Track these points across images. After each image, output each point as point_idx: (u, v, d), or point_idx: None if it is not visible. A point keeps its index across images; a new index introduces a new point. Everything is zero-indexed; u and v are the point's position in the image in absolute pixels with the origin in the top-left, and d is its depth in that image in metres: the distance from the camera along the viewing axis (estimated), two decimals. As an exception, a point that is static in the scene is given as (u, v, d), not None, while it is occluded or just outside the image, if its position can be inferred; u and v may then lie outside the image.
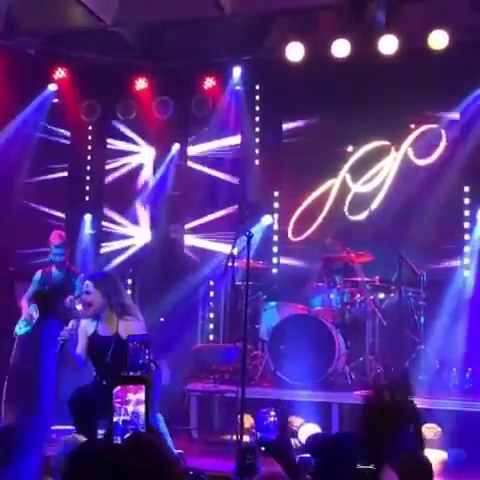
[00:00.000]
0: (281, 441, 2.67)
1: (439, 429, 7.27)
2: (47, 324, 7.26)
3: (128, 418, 1.58)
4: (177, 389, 7.88)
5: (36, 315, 7.32)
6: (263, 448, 2.68)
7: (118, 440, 1.57)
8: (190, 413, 7.83)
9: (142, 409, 1.59)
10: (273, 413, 2.69)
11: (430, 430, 7.30)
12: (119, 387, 1.60)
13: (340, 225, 9.69)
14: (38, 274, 7.64)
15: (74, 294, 7.28)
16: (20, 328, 7.38)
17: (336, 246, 8.74)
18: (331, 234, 9.12)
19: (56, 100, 10.66)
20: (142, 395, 1.60)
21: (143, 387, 1.60)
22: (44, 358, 7.15)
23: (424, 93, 9.25)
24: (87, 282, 5.84)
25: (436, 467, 6.80)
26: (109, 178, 11.02)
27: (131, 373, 2.74)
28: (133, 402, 1.60)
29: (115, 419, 1.57)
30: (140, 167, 10.91)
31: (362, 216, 9.53)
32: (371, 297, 8.39)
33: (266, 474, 2.55)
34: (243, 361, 5.91)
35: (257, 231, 9.77)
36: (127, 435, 1.57)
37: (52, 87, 10.58)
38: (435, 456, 7.09)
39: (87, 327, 5.80)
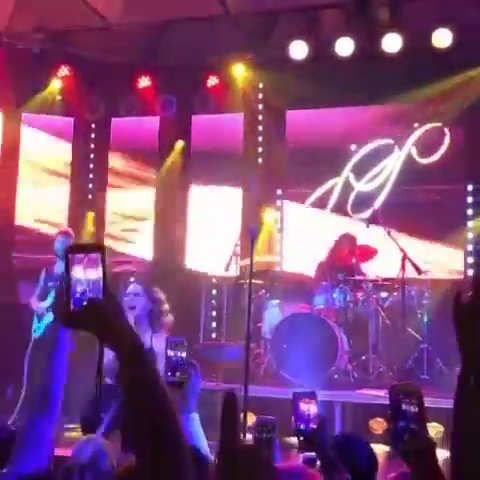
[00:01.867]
0: (320, 431, 2.56)
1: (442, 428, 7.27)
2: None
3: (85, 287, 1.55)
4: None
5: (47, 314, 7.34)
6: (301, 438, 2.58)
7: (79, 305, 1.54)
8: (193, 411, 7.81)
9: (100, 275, 1.55)
10: (313, 403, 2.58)
11: (433, 429, 7.30)
12: (73, 255, 1.55)
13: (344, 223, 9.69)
14: (43, 273, 7.62)
15: None
16: (35, 331, 7.40)
17: (347, 243, 8.71)
18: (342, 232, 9.08)
19: (59, 97, 10.68)
20: (99, 262, 1.56)
21: (99, 254, 1.56)
22: (58, 360, 7.11)
23: (427, 91, 9.24)
24: (135, 285, 5.65)
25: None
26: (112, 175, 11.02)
27: (169, 374, 2.73)
28: (90, 270, 1.56)
29: (78, 289, 1.54)
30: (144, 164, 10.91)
31: (365, 214, 9.52)
32: (374, 296, 8.38)
33: (286, 465, 2.51)
34: (246, 359, 5.90)
35: (260, 229, 9.81)
36: (84, 303, 1.54)
37: (56, 84, 10.59)
38: (438, 455, 7.11)
39: None
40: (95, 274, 1.54)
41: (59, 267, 7.51)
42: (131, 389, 1.56)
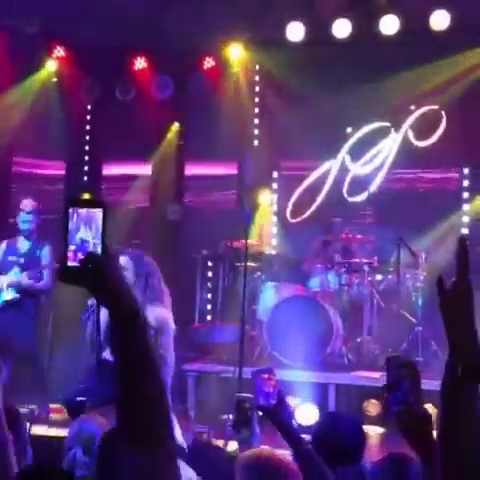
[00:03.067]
0: (280, 408, 2.60)
1: (436, 410, 7.29)
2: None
3: (85, 243, 1.50)
4: (174, 369, 7.87)
5: (7, 291, 7.10)
6: (260, 413, 2.63)
7: (76, 260, 1.49)
8: (187, 393, 7.83)
9: (100, 233, 1.50)
10: (274, 378, 2.62)
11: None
12: (74, 209, 1.49)
13: (341, 206, 9.68)
14: (3, 244, 7.26)
15: (40, 265, 7.11)
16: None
17: (342, 226, 8.71)
18: (335, 214, 9.08)
19: (55, 79, 10.62)
20: (100, 219, 1.50)
21: (101, 210, 1.51)
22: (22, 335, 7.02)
23: (425, 74, 9.21)
24: (123, 258, 5.17)
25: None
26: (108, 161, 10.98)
27: None
28: (91, 227, 1.51)
29: (76, 244, 1.49)
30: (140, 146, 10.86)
31: (361, 197, 9.50)
32: (369, 278, 8.38)
33: (253, 453, 2.50)
34: (241, 342, 5.91)
35: (255, 212, 9.80)
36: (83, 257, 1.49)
37: (51, 65, 10.54)
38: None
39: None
40: (95, 231, 1.50)
41: (22, 244, 7.24)
42: (122, 353, 1.53)
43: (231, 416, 6.31)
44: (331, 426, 2.92)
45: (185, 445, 2.66)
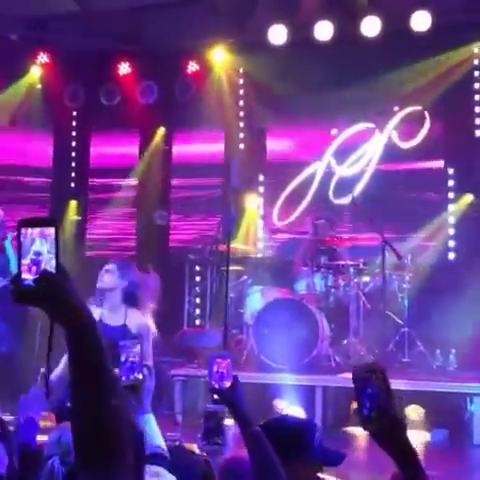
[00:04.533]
0: (234, 390, 2.67)
1: (423, 410, 7.32)
2: None
3: (38, 262, 1.50)
4: (161, 374, 7.88)
5: None
6: (215, 396, 2.69)
7: (30, 281, 1.49)
8: (174, 398, 7.84)
9: (53, 251, 1.50)
10: (226, 363, 2.68)
11: (414, 411, 7.36)
12: (26, 229, 1.50)
13: (327, 208, 9.70)
14: None
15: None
16: None
17: (327, 228, 8.74)
18: (323, 216, 9.10)
19: (39, 86, 10.63)
20: (53, 237, 1.51)
21: (53, 228, 1.52)
22: None
23: (407, 75, 9.24)
24: (111, 264, 5.24)
25: (419, 448, 6.93)
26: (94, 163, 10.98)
27: (124, 378, 2.72)
28: (43, 244, 1.51)
29: (24, 261, 1.49)
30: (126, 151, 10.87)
31: (347, 200, 9.52)
32: (355, 280, 8.40)
33: (230, 458, 2.53)
34: (224, 345, 5.93)
35: (242, 215, 9.82)
36: (37, 277, 1.49)
37: (35, 72, 10.54)
38: (418, 437, 7.17)
39: None
40: (48, 249, 1.49)
41: None
42: (78, 369, 1.52)
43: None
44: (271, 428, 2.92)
45: (167, 453, 2.67)
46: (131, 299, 5.18)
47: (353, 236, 8.68)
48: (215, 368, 2.67)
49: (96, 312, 5.18)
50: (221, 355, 2.81)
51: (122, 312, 5.13)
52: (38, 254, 1.49)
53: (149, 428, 2.67)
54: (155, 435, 2.67)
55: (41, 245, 1.50)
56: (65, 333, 1.51)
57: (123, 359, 2.72)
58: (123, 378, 2.71)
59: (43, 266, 1.49)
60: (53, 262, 1.49)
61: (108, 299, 5.12)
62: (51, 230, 1.50)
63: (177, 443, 3.76)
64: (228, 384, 2.67)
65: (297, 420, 3.17)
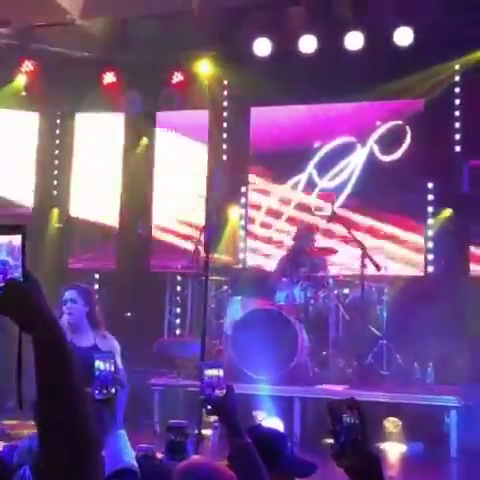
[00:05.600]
0: (227, 399, 2.66)
1: (399, 423, 7.37)
2: None
3: (5, 270, 1.49)
4: (140, 383, 7.88)
5: None
6: (209, 407, 2.68)
7: None
8: (153, 407, 7.84)
9: (20, 258, 1.49)
10: (219, 372, 2.69)
11: (391, 424, 7.41)
12: None
13: (308, 220, 9.76)
14: None
15: None
16: None
17: (308, 240, 8.77)
18: (304, 228, 9.16)
19: (24, 93, 10.64)
20: (18, 243, 1.49)
21: (20, 235, 1.50)
22: None
23: (390, 89, 9.33)
24: (71, 291, 5.57)
25: (395, 460, 6.97)
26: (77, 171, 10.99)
27: (97, 392, 2.71)
28: (9, 252, 1.50)
29: None
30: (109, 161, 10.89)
31: (328, 212, 9.57)
32: (335, 292, 8.45)
33: (189, 463, 2.54)
34: (202, 355, 5.94)
35: (224, 226, 9.86)
36: (2, 284, 1.48)
37: (21, 80, 10.55)
38: (394, 449, 7.21)
39: None
40: (16, 255, 1.48)
41: None
42: (46, 378, 1.50)
43: (190, 431, 6.35)
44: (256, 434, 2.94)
45: (137, 468, 2.67)
46: (95, 322, 5.54)
47: (333, 248, 8.73)
48: (207, 377, 2.67)
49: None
50: (213, 364, 2.79)
51: (91, 335, 5.46)
52: (3, 263, 1.49)
53: (121, 444, 2.66)
54: (126, 451, 2.67)
55: (7, 254, 1.49)
56: (33, 341, 1.50)
57: (96, 373, 2.72)
58: (96, 392, 2.70)
59: (9, 275, 1.49)
60: (20, 270, 1.49)
61: (76, 326, 5.42)
62: (18, 238, 1.49)
63: (146, 453, 3.75)
64: (221, 393, 2.68)
65: (268, 430, 3.20)
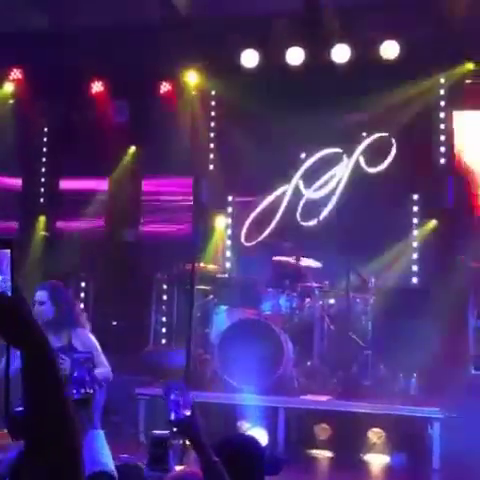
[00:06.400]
0: (192, 421, 2.69)
1: (383, 434, 7.42)
2: None
3: None
4: (126, 393, 7.89)
5: None
6: (174, 429, 2.72)
7: None
8: (138, 417, 7.85)
9: (8, 272, 1.50)
10: (183, 391, 2.71)
11: (375, 434, 7.45)
12: None
13: (294, 230, 9.81)
14: None
15: None
16: None
17: (294, 250, 8.84)
18: (289, 238, 9.22)
19: (12, 101, 10.66)
20: (8, 258, 1.51)
21: (8, 250, 1.51)
22: None
23: (376, 101, 9.41)
24: (40, 292, 5.49)
25: (379, 471, 7.02)
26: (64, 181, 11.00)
27: (74, 391, 2.73)
28: None
29: None
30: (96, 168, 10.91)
31: (313, 222, 9.64)
32: (320, 302, 8.49)
33: (177, 473, 2.58)
34: (187, 365, 5.98)
35: (210, 235, 9.91)
36: None
37: (8, 87, 10.57)
38: (378, 460, 7.26)
39: None
40: (4, 270, 1.48)
41: None
42: (33, 393, 1.53)
43: (176, 442, 6.37)
44: (228, 446, 2.98)
45: (115, 472, 2.69)
46: (69, 319, 5.47)
47: (318, 258, 8.78)
48: (172, 397, 2.69)
49: None
50: (176, 385, 2.79)
51: (66, 333, 5.41)
52: None
53: (98, 445, 2.69)
54: (103, 452, 2.69)
55: None
56: (20, 354, 1.52)
57: (75, 374, 2.75)
58: (74, 391, 2.73)
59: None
60: (9, 284, 1.49)
61: (47, 327, 5.24)
62: (6, 252, 1.49)
63: (125, 461, 3.77)
64: (187, 413, 2.70)
65: (238, 443, 3.21)
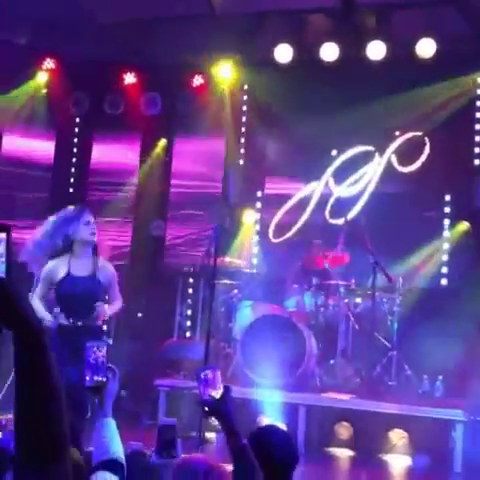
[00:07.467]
0: (224, 401, 2.67)
1: (405, 435, 7.30)
2: None
3: None
4: (147, 383, 7.88)
5: None
6: (206, 409, 2.70)
7: None
8: (158, 408, 7.83)
9: (4, 256, 1.51)
10: (215, 372, 2.72)
11: (396, 435, 7.34)
12: None
13: (322, 228, 9.72)
14: None
15: None
16: None
17: (321, 248, 8.77)
18: (317, 236, 9.14)
19: (45, 91, 10.71)
20: (3, 242, 1.52)
21: (4, 233, 1.52)
22: None
23: (410, 100, 9.28)
24: (89, 214, 5.55)
25: (399, 472, 6.90)
26: (94, 171, 11.03)
27: (87, 378, 2.72)
28: None
29: None
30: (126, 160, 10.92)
31: (342, 220, 9.53)
32: (346, 301, 8.40)
33: (184, 459, 2.54)
34: (206, 358, 5.94)
35: (237, 230, 9.86)
36: None
37: (41, 77, 10.62)
38: (399, 461, 7.14)
39: (56, 269, 5.40)
40: (0, 253, 1.50)
41: None
42: (24, 374, 1.52)
43: (194, 433, 6.32)
44: (263, 438, 2.94)
45: (123, 460, 2.65)
46: (96, 249, 5.53)
47: (346, 257, 8.67)
48: (203, 379, 2.69)
49: (63, 266, 5.41)
50: (209, 367, 2.83)
51: (91, 263, 5.44)
52: None
53: (108, 433, 2.65)
54: (113, 441, 2.64)
55: None
56: (13, 338, 1.52)
57: (91, 360, 2.73)
58: (87, 378, 2.71)
59: None
60: (3, 267, 1.50)
61: (82, 251, 5.39)
62: (2, 235, 1.51)
63: (134, 450, 3.75)
64: (217, 395, 2.68)
65: (268, 432, 3.18)
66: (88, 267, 5.39)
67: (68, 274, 5.35)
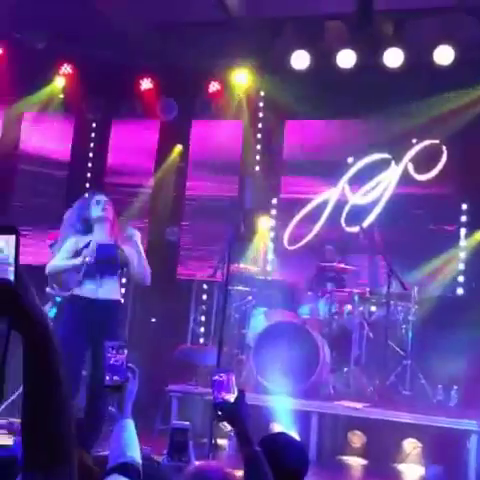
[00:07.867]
0: (238, 406, 2.63)
1: (419, 444, 7.22)
2: None
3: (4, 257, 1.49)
4: (159, 388, 7.85)
5: None
6: (219, 413, 2.66)
7: None
8: (171, 413, 7.79)
9: (12, 258, 1.50)
10: (229, 376, 2.69)
11: (410, 445, 7.26)
12: None
13: (337, 235, 9.67)
14: None
15: None
16: None
17: (336, 255, 8.74)
18: (331, 243, 9.10)
19: (61, 95, 10.75)
20: (13, 244, 1.51)
21: (13, 236, 1.51)
22: None
23: (427, 107, 9.23)
24: (103, 195, 6.15)
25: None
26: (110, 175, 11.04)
27: (107, 378, 2.71)
28: (3, 252, 1.50)
29: None
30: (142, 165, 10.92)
31: (357, 228, 9.49)
32: (360, 308, 8.34)
33: (200, 466, 2.50)
34: (218, 365, 5.92)
35: (252, 236, 9.82)
36: None
37: (59, 82, 10.66)
38: (412, 471, 7.07)
39: (79, 240, 5.92)
40: (7, 256, 1.48)
41: None
42: (32, 377, 1.52)
43: (205, 440, 6.29)
44: (275, 444, 2.90)
45: (140, 465, 2.62)
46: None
47: (361, 264, 8.63)
48: (217, 382, 2.66)
49: (86, 238, 5.94)
50: (224, 370, 2.82)
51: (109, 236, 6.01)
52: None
53: (126, 435, 2.61)
54: (131, 443, 2.60)
55: (2, 251, 1.50)
56: (22, 341, 1.51)
57: (111, 361, 2.72)
58: (107, 378, 2.70)
59: (1, 274, 1.48)
60: (12, 270, 1.48)
61: (99, 228, 5.96)
62: (11, 237, 1.50)
63: (146, 455, 3.70)
64: (231, 398, 2.64)
65: (280, 440, 3.14)
66: (108, 239, 5.95)
67: (90, 241, 5.88)
